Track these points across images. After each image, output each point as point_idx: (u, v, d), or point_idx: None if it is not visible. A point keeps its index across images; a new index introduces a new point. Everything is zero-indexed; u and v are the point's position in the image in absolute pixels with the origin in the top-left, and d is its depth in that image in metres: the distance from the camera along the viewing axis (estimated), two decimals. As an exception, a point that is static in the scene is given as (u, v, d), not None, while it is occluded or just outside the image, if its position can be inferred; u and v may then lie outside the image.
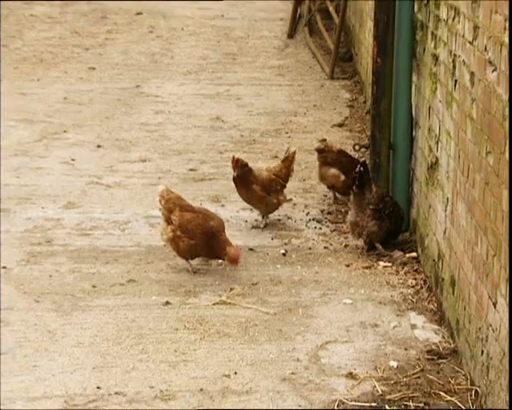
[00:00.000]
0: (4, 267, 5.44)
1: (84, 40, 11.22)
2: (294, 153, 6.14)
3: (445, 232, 4.88)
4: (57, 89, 9.02)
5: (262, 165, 6.21)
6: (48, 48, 10.74)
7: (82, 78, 9.58)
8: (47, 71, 9.82)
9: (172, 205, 5.42)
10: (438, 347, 4.62)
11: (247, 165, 5.89)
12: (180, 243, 5.33)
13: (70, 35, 11.39)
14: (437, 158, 5.13)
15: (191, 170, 7.05)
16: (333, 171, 6.43)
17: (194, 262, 5.50)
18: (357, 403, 4.14)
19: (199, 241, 5.36)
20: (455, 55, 4.74)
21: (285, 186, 6.06)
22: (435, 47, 5.29)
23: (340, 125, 8.18)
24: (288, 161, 6.09)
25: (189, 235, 5.33)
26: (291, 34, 11.61)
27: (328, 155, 6.51)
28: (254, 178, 5.89)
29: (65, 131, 7.91)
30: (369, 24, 7.94)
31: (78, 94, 8.99)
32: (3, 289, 5.17)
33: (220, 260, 5.46)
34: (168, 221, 5.37)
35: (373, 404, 4.14)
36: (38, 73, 9.65)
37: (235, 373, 4.36)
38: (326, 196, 6.56)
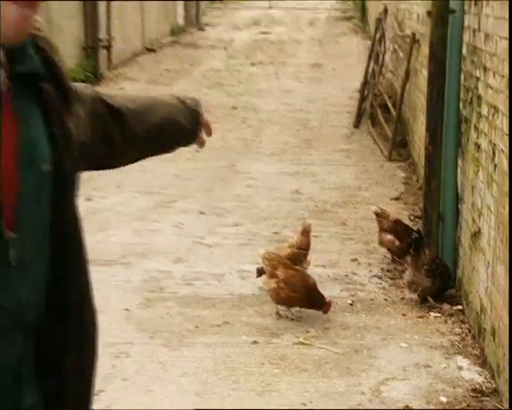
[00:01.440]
0: (127, 309, 5.50)
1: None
2: (310, 225, 6.03)
3: (486, 290, 4.79)
4: (169, 167, 9.14)
5: (283, 244, 6.10)
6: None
7: (189, 158, 9.67)
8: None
9: (276, 262, 5.42)
10: (481, 386, 4.51)
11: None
12: (281, 293, 5.31)
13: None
14: (479, 228, 5.07)
15: (275, 233, 7.07)
16: (389, 237, 6.39)
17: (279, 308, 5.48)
18: (412, 432, 4.08)
19: (300, 294, 5.34)
20: (494, 144, 4.72)
21: (307, 254, 5.91)
22: (477, 137, 5.27)
23: (397, 199, 8.13)
24: (306, 232, 5.95)
25: (290, 288, 5.31)
26: (356, 124, 11.64)
27: (385, 223, 6.46)
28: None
29: (175, 201, 8.03)
30: (421, 117, 7.91)
31: (186, 171, 9.13)
32: (126, 327, 5.25)
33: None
34: (272, 275, 5.34)
35: (426, 433, 4.07)
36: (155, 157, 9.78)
37: (311, 402, 4.34)
38: (385, 256, 6.51)
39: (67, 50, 14.65)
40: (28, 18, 1.49)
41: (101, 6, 16.05)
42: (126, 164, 2.24)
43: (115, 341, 4.94)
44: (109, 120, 2.04)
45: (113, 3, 16.55)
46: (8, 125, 1.52)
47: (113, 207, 7.72)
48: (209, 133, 2.31)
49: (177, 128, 2.21)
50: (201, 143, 2.30)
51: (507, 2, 4.44)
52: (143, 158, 2.30)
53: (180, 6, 26.29)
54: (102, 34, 16.20)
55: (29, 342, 1.60)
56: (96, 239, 6.69)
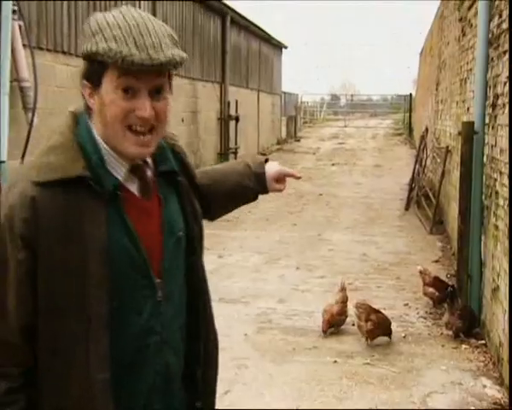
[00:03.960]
0: (245, 334, 5.47)
1: (291, 209, 11.44)
2: (345, 283, 5.78)
3: (503, 330, 4.57)
4: (275, 235, 9.19)
5: (331, 300, 5.77)
6: (270, 213, 10.98)
7: (289, 230, 9.72)
8: (270, 225, 10.01)
9: (369, 309, 5.25)
10: (500, 400, 4.27)
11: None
12: (376, 332, 5.17)
13: (283, 206, 11.60)
14: (498, 285, 4.87)
15: (349, 284, 6.93)
16: (431, 290, 6.17)
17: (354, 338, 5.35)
18: (449, 432, 3.89)
19: (384, 330, 5.23)
20: (509, 226, 4.55)
21: (347, 305, 5.57)
22: (496, 221, 5.10)
23: (436, 262, 7.88)
24: (344, 290, 5.66)
25: (381, 329, 5.20)
26: (407, 208, 11.45)
27: (427, 278, 6.25)
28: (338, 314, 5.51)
29: (279, 259, 7.98)
30: (453, 204, 7.74)
31: (286, 238, 9.11)
32: (244, 347, 5.20)
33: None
34: (367, 319, 5.16)
35: (459, 433, 3.88)
36: (265, 227, 9.85)
37: (376, 407, 4.18)
38: (428, 303, 6.27)
39: (209, 155, 15.05)
40: (145, 143, 1.46)
41: (232, 126, 16.47)
42: (216, 218, 2.04)
43: (237, 356, 4.93)
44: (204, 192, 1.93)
45: (239, 124, 16.95)
46: (155, 206, 1.55)
47: (237, 263, 7.76)
48: (296, 177, 2.08)
49: (245, 190, 2.00)
50: (277, 190, 2.05)
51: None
52: (226, 212, 2.08)
53: (283, 124, 26.71)
54: (232, 144, 16.59)
55: (176, 358, 1.59)
56: (224, 284, 6.75)
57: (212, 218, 2.02)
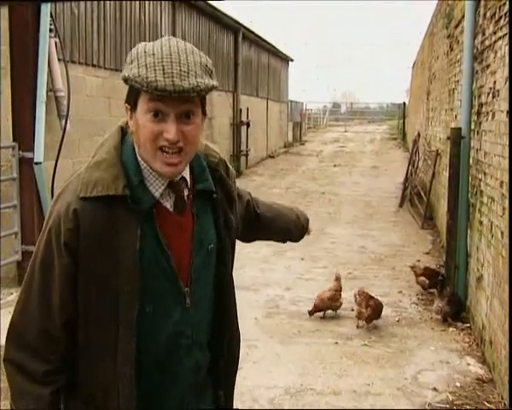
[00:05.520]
0: (255, 318, 5.51)
1: (296, 205, 11.38)
2: (339, 274, 5.69)
3: (486, 314, 4.60)
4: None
5: (325, 288, 5.75)
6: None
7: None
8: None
9: (368, 296, 5.27)
10: (482, 376, 4.31)
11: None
12: (372, 316, 5.20)
13: (289, 203, 11.56)
14: (481, 274, 4.90)
15: (349, 273, 6.98)
16: (421, 278, 6.21)
17: (359, 323, 5.38)
18: (438, 404, 3.90)
19: (379, 314, 5.26)
20: (492, 221, 4.58)
21: (341, 294, 5.54)
22: (480, 217, 5.12)
23: (427, 253, 7.90)
24: (339, 279, 5.62)
25: (376, 312, 5.22)
26: (401, 205, 11.44)
27: (418, 271, 6.29)
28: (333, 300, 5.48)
29: (285, 251, 7.95)
30: (443, 202, 7.75)
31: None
32: (254, 330, 5.24)
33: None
34: (366, 306, 5.18)
35: (447, 406, 3.89)
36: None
37: (373, 383, 4.21)
38: (420, 290, 6.30)
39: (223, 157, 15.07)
40: (174, 163, 1.43)
41: (243, 131, 16.50)
42: (253, 241, 2.25)
43: (248, 338, 4.94)
44: (253, 218, 2.06)
45: (250, 129, 16.97)
46: (188, 221, 1.53)
47: (248, 254, 7.76)
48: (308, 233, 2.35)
49: (289, 235, 2.27)
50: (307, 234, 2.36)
51: (499, 135, 4.36)
52: (256, 240, 2.26)
53: (290, 129, 26.69)
54: (243, 147, 16.62)
55: (204, 355, 1.60)
56: (237, 273, 6.77)
57: (246, 240, 2.13)
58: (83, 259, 1.41)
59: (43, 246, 1.45)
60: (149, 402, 1.50)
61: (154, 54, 1.36)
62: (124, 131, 1.52)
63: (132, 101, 1.42)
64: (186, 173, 1.53)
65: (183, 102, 1.38)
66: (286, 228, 2.22)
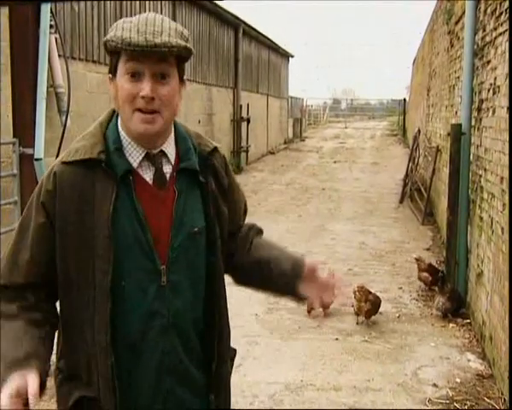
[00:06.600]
0: (256, 314, 5.52)
1: (297, 202, 11.41)
2: (333, 271, 5.58)
3: (486, 310, 4.60)
4: (283, 226, 9.18)
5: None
6: (279, 205, 10.97)
7: (294, 221, 9.73)
8: (279, 216, 10.00)
9: (367, 292, 5.24)
10: (482, 372, 4.31)
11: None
12: (371, 311, 5.19)
13: (289, 199, 11.61)
14: (482, 270, 4.89)
15: (349, 269, 6.97)
16: (424, 274, 6.20)
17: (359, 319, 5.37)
18: (438, 400, 3.90)
19: (377, 309, 5.25)
20: (492, 217, 4.57)
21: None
22: (481, 213, 5.11)
23: (427, 249, 7.89)
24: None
25: (374, 307, 5.22)
26: (401, 201, 11.42)
27: (422, 265, 6.28)
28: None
29: (286, 247, 7.90)
30: (443, 198, 7.74)
31: (293, 229, 9.09)
32: (255, 326, 5.24)
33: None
34: (365, 301, 5.16)
35: (447, 401, 3.89)
36: (274, 218, 9.83)
37: (373, 379, 4.21)
38: (420, 286, 6.29)
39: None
40: (150, 121, 1.47)
41: (243, 127, 16.48)
42: (244, 285, 1.87)
43: (249, 334, 4.98)
44: (234, 230, 1.76)
45: (250, 125, 16.95)
46: (169, 197, 1.54)
47: (248, 250, 7.83)
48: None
49: (285, 290, 1.81)
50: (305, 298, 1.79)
51: (500, 131, 4.36)
52: (255, 289, 1.91)
53: (290, 126, 26.67)
54: (243, 143, 16.60)
55: (184, 343, 1.55)
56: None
57: (234, 276, 1.79)
58: (59, 220, 1.48)
59: (25, 209, 1.55)
60: (127, 379, 1.50)
61: (131, 21, 1.47)
62: (114, 112, 1.59)
63: (113, 68, 1.50)
64: (168, 150, 1.56)
65: (157, 62, 1.44)
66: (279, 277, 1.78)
